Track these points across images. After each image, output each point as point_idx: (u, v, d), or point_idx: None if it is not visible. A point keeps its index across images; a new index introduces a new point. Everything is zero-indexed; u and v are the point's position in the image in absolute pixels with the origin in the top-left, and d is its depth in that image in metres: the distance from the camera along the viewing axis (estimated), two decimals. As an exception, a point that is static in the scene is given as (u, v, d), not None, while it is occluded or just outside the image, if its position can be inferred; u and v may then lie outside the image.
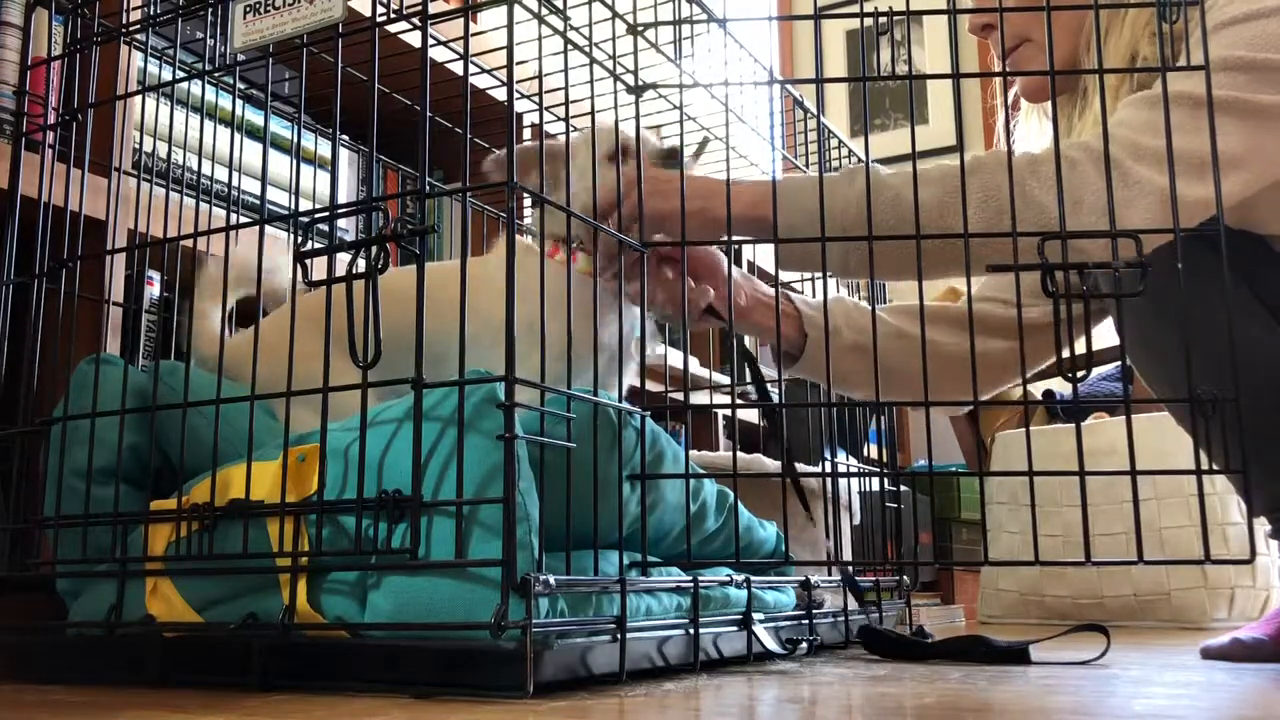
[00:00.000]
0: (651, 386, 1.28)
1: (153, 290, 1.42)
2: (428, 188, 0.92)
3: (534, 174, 1.23)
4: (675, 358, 2.20)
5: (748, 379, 2.66)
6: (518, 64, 0.93)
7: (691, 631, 1.05)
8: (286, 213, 1.53)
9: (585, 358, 1.07)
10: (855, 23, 1.06)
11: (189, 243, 1.09)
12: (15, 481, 1.12)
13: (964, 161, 1.04)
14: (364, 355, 0.87)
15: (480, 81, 1.66)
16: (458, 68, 1.53)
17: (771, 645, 1.17)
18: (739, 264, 2.70)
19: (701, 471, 1.16)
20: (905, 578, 1.63)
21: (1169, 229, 0.99)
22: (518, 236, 1.23)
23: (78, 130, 1.13)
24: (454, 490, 0.87)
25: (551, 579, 0.85)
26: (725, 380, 2.55)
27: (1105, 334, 1.38)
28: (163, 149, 1.42)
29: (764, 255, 2.89)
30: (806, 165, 1.49)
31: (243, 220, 1.17)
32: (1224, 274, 0.97)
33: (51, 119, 1.26)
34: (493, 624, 0.81)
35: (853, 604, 1.45)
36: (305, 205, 1.61)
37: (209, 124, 1.43)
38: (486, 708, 0.77)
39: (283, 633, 0.90)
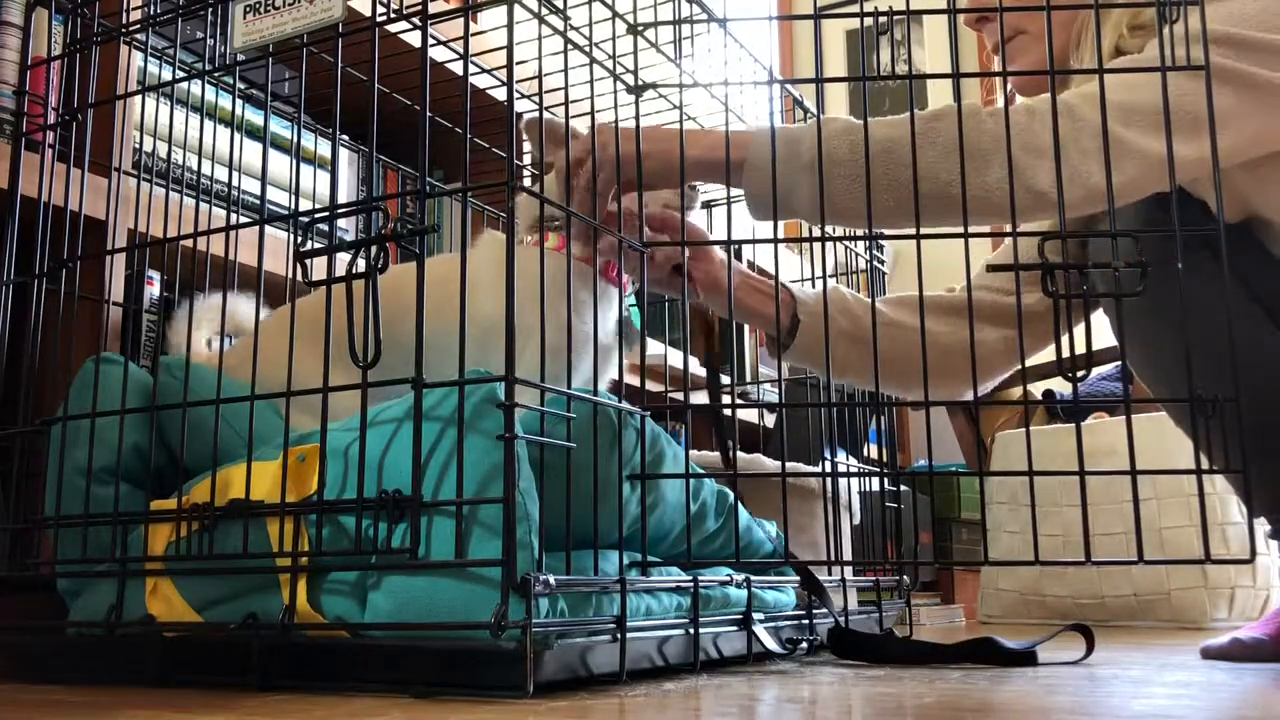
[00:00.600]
0: (651, 386, 1.28)
1: (153, 290, 1.42)
2: (428, 188, 0.92)
3: (534, 144, 1.24)
4: (675, 358, 2.20)
5: (745, 379, 2.66)
6: (518, 64, 0.93)
7: (691, 631, 1.05)
8: (286, 213, 1.53)
9: (572, 348, 1.07)
10: (855, 22, 1.06)
11: (189, 243, 1.09)
12: (15, 481, 1.12)
13: (963, 142, 1.03)
14: (364, 355, 0.87)
15: (480, 81, 1.66)
16: (458, 68, 1.53)
17: (771, 645, 1.17)
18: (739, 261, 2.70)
19: (701, 471, 1.16)
20: (905, 578, 1.63)
21: (1169, 229, 0.99)
22: (493, 230, 1.22)
23: (78, 130, 1.13)
24: (454, 490, 0.87)
25: (551, 579, 0.85)
26: (725, 380, 2.55)
27: (1105, 334, 1.38)
28: (163, 149, 1.42)
29: (764, 256, 2.89)
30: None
31: (243, 220, 1.17)
32: (1224, 274, 0.97)
33: (51, 119, 1.26)
34: (493, 624, 0.81)
35: (853, 603, 1.45)
36: (305, 205, 1.61)
37: (209, 124, 1.43)
38: (486, 708, 0.77)
39: (283, 633, 0.90)
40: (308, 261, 0.92)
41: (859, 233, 1.59)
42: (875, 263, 1.60)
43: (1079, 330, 0.98)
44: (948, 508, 3.09)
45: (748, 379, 2.80)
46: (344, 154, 1.76)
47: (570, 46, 1.03)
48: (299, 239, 0.93)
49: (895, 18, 3.87)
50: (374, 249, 0.88)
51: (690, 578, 1.08)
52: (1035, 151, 1.04)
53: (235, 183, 1.44)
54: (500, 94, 1.54)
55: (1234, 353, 0.96)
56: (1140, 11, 1.18)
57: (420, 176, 0.91)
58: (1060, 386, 2.86)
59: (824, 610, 1.35)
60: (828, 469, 1.50)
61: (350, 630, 0.89)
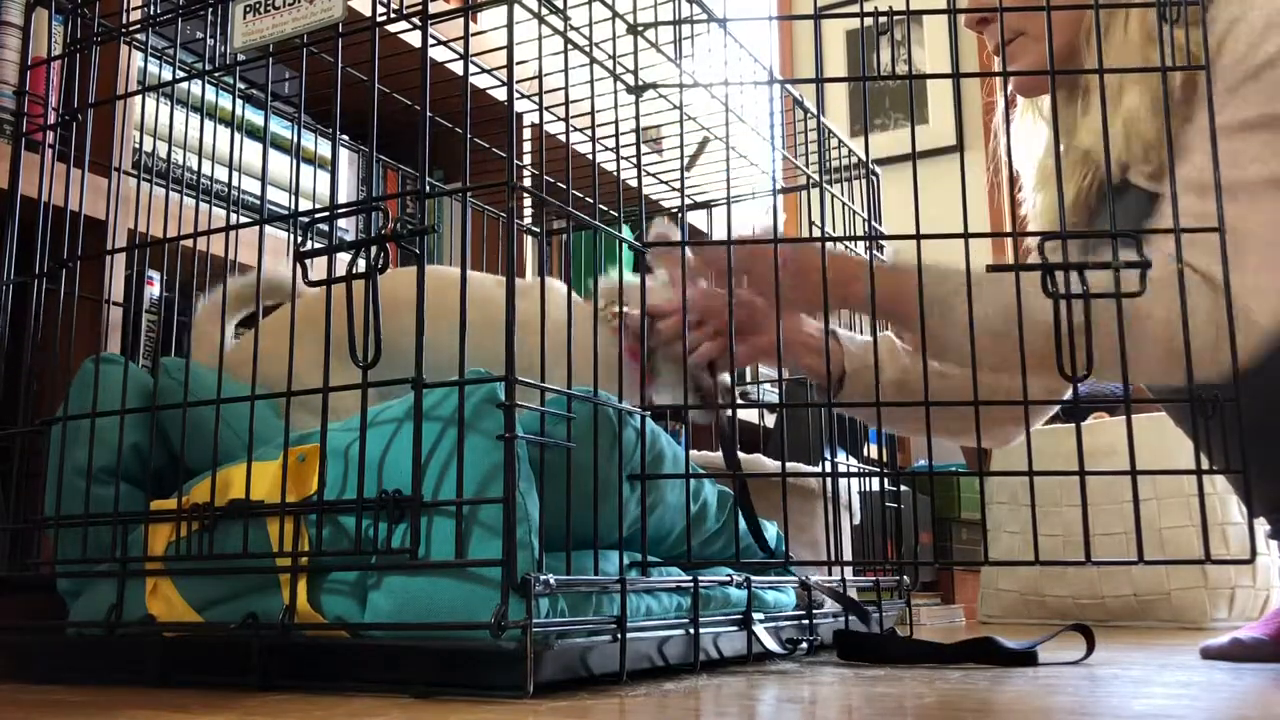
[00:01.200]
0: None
1: (153, 290, 1.42)
2: (428, 188, 0.92)
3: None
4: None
5: (748, 380, 2.66)
6: (518, 64, 0.93)
7: (691, 631, 1.05)
8: (286, 213, 1.53)
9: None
10: (855, 23, 1.06)
11: (189, 243, 1.09)
12: (15, 481, 1.12)
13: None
14: (364, 355, 0.87)
15: (480, 81, 1.66)
16: (458, 68, 1.53)
17: (771, 645, 1.17)
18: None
19: (701, 471, 1.16)
20: (905, 578, 1.63)
21: (1169, 229, 0.99)
22: (553, 280, 1.22)
23: (78, 130, 1.13)
24: (454, 490, 0.87)
25: (551, 579, 0.85)
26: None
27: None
28: (163, 149, 1.42)
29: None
30: (806, 164, 1.49)
31: (243, 220, 1.17)
32: (1224, 273, 0.97)
33: (51, 119, 1.26)
34: (493, 624, 0.81)
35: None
36: (305, 205, 1.61)
37: (209, 124, 1.43)
38: (486, 708, 0.77)
39: (283, 633, 0.91)
40: (307, 261, 0.92)
41: (859, 233, 1.59)
42: (875, 263, 1.59)
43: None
44: (948, 508, 3.09)
45: (748, 379, 2.80)
46: (344, 154, 1.76)
47: (570, 46, 1.03)
48: (299, 239, 0.93)
49: (895, 18, 3.87)
50: (374, 249, 0.88)
51: (690, 578, 1.08)
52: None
53: (235, 183, 1.44)
54: (500, 94, 1.54)
55: (1234, 352, 0.96)
56: None
57: (420, 176, 0.91)
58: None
59: (824, 611, 1.35)
60: (828, 469, 1.50)
61: (350, 630, 0.89)
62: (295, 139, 1.58)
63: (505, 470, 0.84)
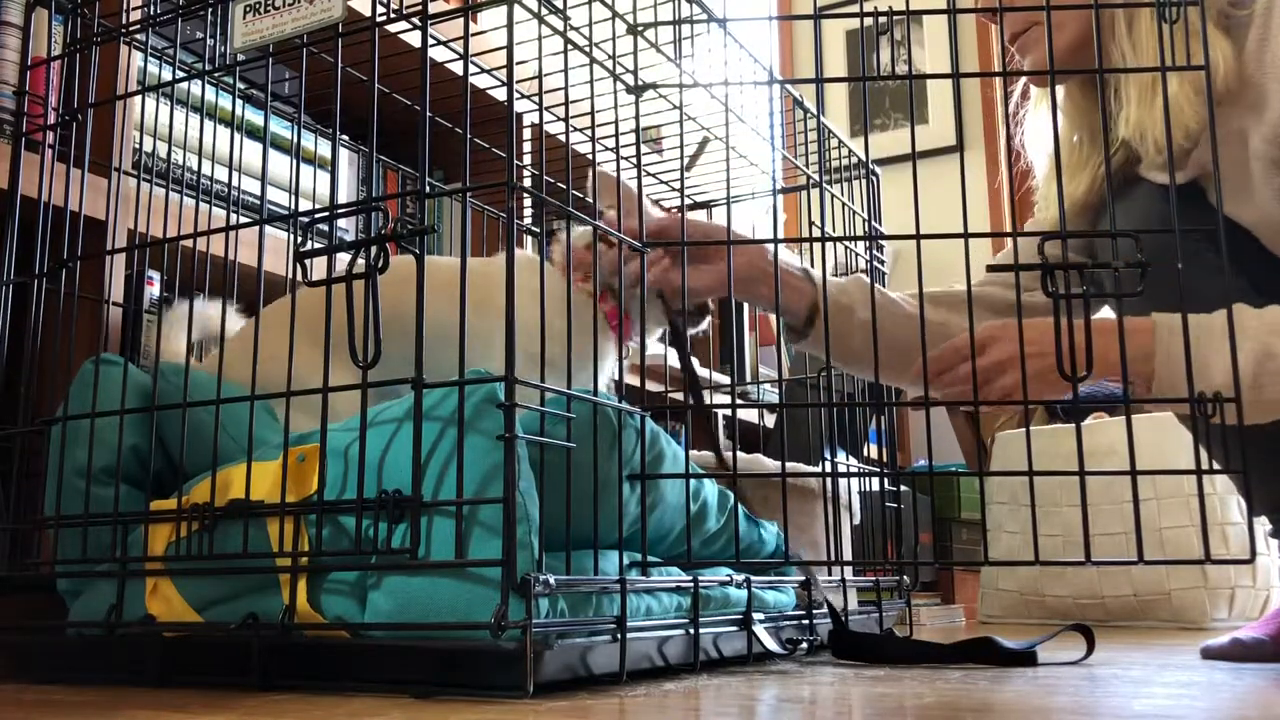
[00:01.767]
0: (651, 386, 1.28)
1: (153, 290, 1.42)
2: (428, 188, 0.92)
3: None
4: (675, 357, 2.20)
5: (749, 380, 2.65)
6: (518, 64, 0.93)
7: (691, 631, 1.05)
8: (286, 213, 1.53)
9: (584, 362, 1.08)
10: (855, 23, 1.06)
11: (189, 243, 1.09)
12: (15, 481, 1.12)
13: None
14: (364, 355, 0.87)
15: (480, 81, 1.66)
16: (458, 68, 1.53)
17: (771, 645, 1.17)
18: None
19: (701, 471, 1.16)
20: (905, 578, 1.63)
21: (1169, 229, 0.99)
22: (522, 250, 1.24)
23: (78, 130, 1.13)
24: (454, 490, 0.87)
25: (551, 579, 0.85)
26: (725, 380, 2.55)
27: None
28: (163, 149, 1.42)
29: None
30: (806, 164, 1.49)
31: (243, 220, 1.17)
32: (1225, 272, 0.97)
33: (51, 119, 1.25)
34: (493, 624, 0.81)
35: (853, 603, 1.45)
36: (305, 205, 1.61)
37: (209, 124, 1.43)
38: (486, 708, 0.77)
39: (283, 633, 0.90)
40: (307, 261, 0.92)
41: (859, 233, 1.59)
42: (875, 262, 1.60)
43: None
44: (948, 508, 3.09)
45: (748, 379, 2.80)
46: (344, 154, 1.76)
47: (570, 46, 1.03)
48: (299, 239, 0.93)
49: (895, 18, 3.87)
50: (374, 249, 0.88)
51: (690, 578, 1.08)
52: None
53: (235, 183, 1.44)
54: (500, 94, 1.54)
55: (1234, 352, 0.96)
56: None
57: (420, 176, 0.91)
58: (1060, 386, 2.86)
59: (824, 611, 1.35)
60: (828, 469, 1.50)
61: (350, 630, 0.89)
62: (295, 139, 1.58)
63: (505, 470, 0.84)
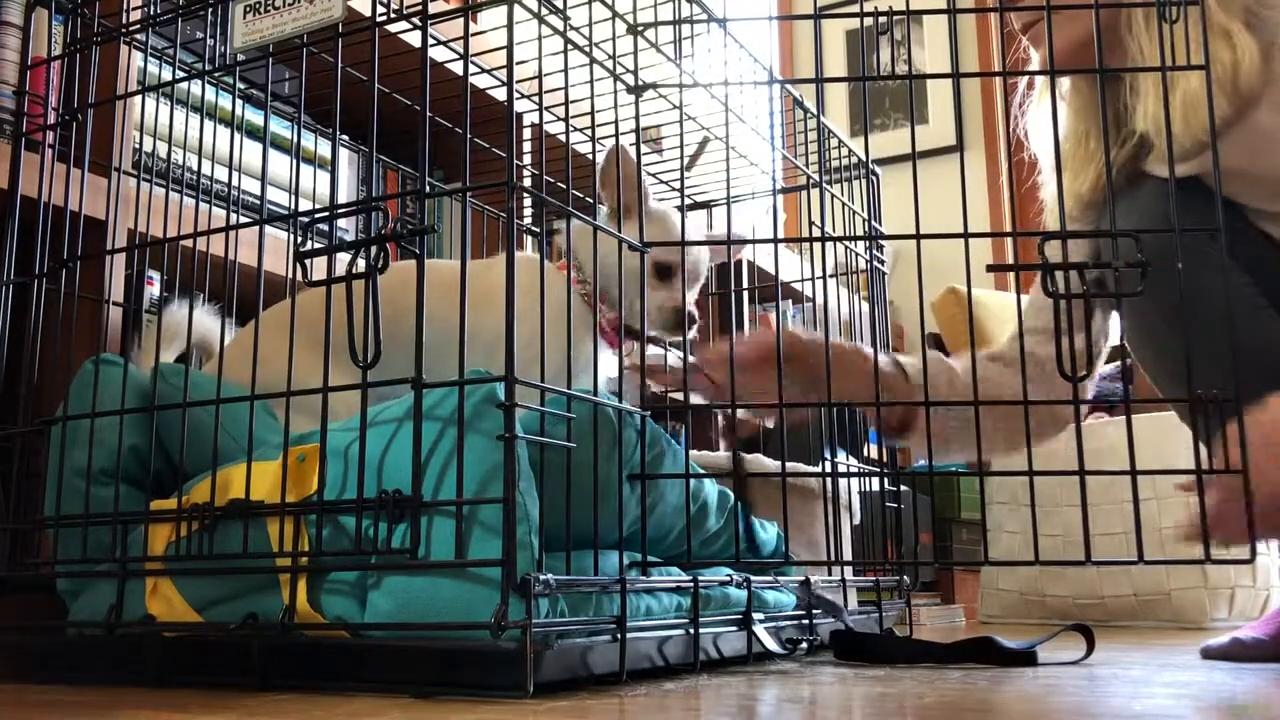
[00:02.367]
0: (651, 386, 1.28)
1: (153, 290, 1.42)
2: (428, 188, 0.92)
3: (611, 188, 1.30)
4: (675, 358, 2.20)
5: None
6: (518, 64, 0.93)
7: (691, 631, 1.05)
8: (286, 213, 1.53)
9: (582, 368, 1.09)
10: (855, 22, 1.06)
11: (189, 243, 1.09)
12: (15, 481, 1.12)
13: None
14: (364, 355, 0.87)
15: (480, 81, 1.66)
16: (458, 68, 1.53)
17: (771, 645, 1.17)
18: (738, 266, 2.70)
19: (702, 471, 1.16)
20: (905, 578, 1.63)
21: (1169, 228, 0.99)
22: (522, 252, 1.25)
23: (78, 130, 1.13)
24: (454, 490, 0.87)
25: (551, 579, 0.85)
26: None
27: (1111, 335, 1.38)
28: (163, 149, 1.42)
29: (762, 256, 2.89)
30: (806, 164, 1.49)
31: (243, 220, 1.17)
32: (1224, 273, 0.98)
33: (51, 119, 1.25)
34: (493, 624, 0.81)
35: (853, 603, 1.45)
36: (305, 205, 1.61)
37: (209, 124, 1.43)
38: (486, 708, 0.77)
39: (283, 633, 0.90)
40: (307, 261, 0.92)
41: (859, 233, 1.59)
42: (875, 263, 1.60)
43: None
44: (948, 508, 3.09)
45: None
46: (344, 154, 1.76)
47: (570, 46, 1.03)
48: (299, 239, 0.93)
49: (895, 18, 3.86)
50: (374, 249, 0.88)
51: (690, 578, 1.08)
52: None
53: (235, 183, 1.44)
54: (500, 94, 1.54)
55: (1235, 352, 0.96)
56: None
57: (420, 176, 0.91)
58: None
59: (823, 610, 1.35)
60: (828, 469, 1.50)
61: (350, 630, 0.89)
62: (295, 139, 1.58)
63: (505, 470, 0.84)
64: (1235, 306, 1.15)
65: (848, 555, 1.65)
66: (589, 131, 1.07)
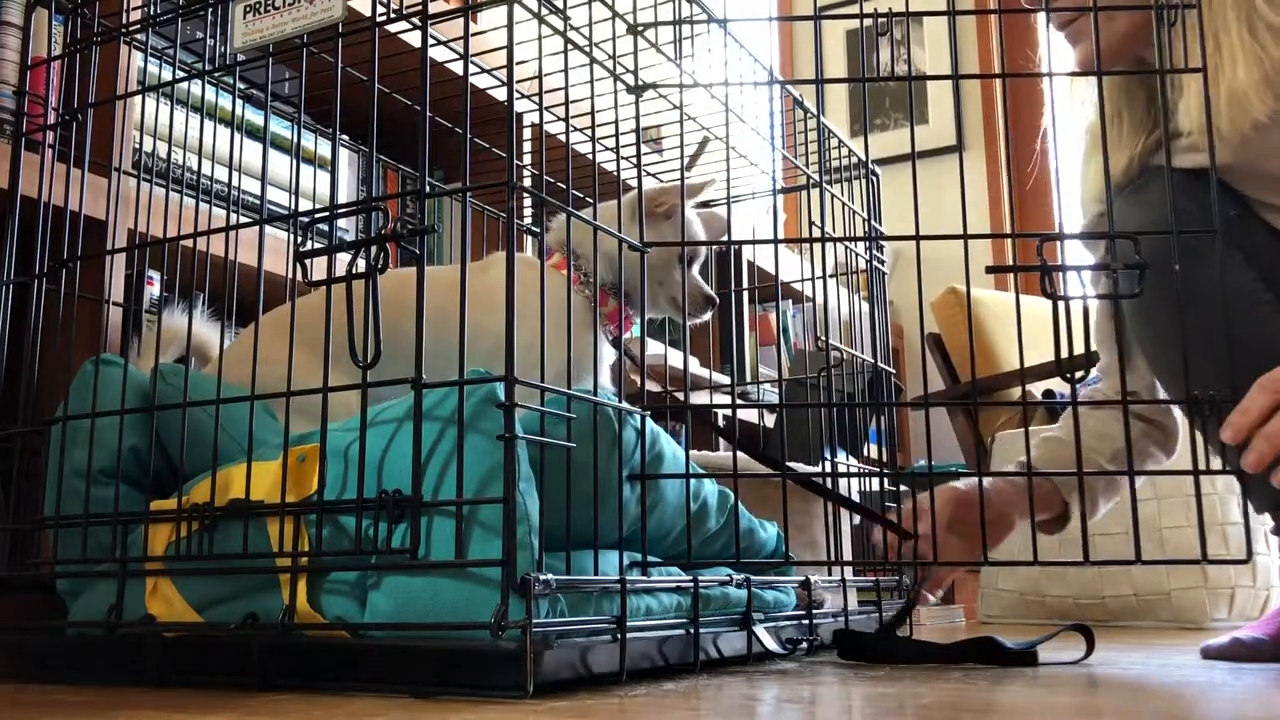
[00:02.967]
0: (651, 386, 1.28)
1: (153, 290, 1.42)
2: (428, 188, 0.92)
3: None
4: (675, 358, 2.20)
5: (748, 379, 2.64)
6: (518, 64, 0.93)
7: (691, 631, 1.05)
8: (286, 213, 1.53)
9: (583, 370, 1.09)
10: (855, 21, 1.06)
11: (189, 243, 1.09)
12: (15, 481, 1.12)
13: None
14: (364, 355, 0.87)
15: (480, 81, 1.66)
16: (458, 68, 1.53)
17: (771, 645, 1.17)
18: (739, 265, 2.70)
19: (702, 471, 1.16)
20: (905, 578, 1.63)
21: (1165, 230, 0.99)
22: (522, 253, 1.25)
23: (78, 130, 1.13)
24: (454, 490, 0.87)
25: (551, 579, 0.85)
26: (725, 380, 2.55)
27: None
28: (163, 149, 1.42)
29: (763, 256, 2.89)
30: (806, 164, 1.49)
31: (243, 220, 1.17)
32: (1219, 266, 0.98)
33: (51, 119, 1.26)
34: (493, 624, 0.81)
35: (853, 603, 1.44)
36: (305, 205, 1.61)
37: (209, 124, 1.43)
38: (486, 708, 0.77)
39: (283, 633, 0.90)
40: (307, 261, 0.92)
41: (859, 232, 1.59)
42: (875, 263, 1.59)
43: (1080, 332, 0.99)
44: (947, 508, 3.08)
45: (748, 379, 2.80)
46: (344, 154, 1.76)
47: (570, 46, 1.03)
48: (299, 239, 0.93)
49: (894, 18, 3.85)
50: (374, 249, 0.88)
51: (690, 578, 1.08)
52: None
53: (235, 183, 1.44)
54: (500, 94, 1.54)
55: (1230, 355, 0.96)
56: None
57: (420, 176, 0.91)
58: (1061, 386, 2.86)
59: (824, 611, 1.35)
60: (828, 469, 1.50)
61: (350, 630, 0.89)
62: (295, 139, 1.58)
63: (505, 470, 0.84)
64: (1241, 302, 1.16)
65: (847, 555, 1.65)
66: (589, 131, 1.07)
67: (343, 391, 0.91)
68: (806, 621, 1.30)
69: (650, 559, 1.04)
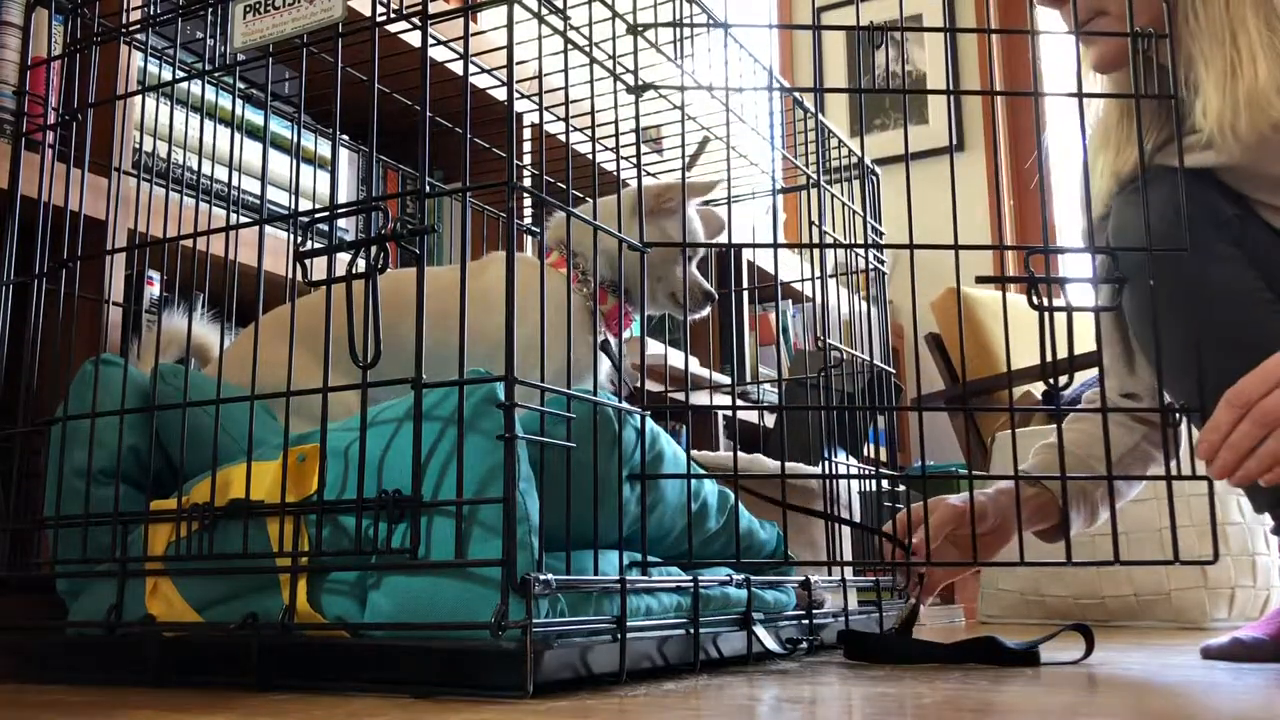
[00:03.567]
0: (651, 386, 1.29)
1: (153, 290, 1.42)
2: (428, 188, 0.92)
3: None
4: (675, 357, 2.20)
5: (749, 380, 2.64)
6: (518, 64, 0.93)
7: (691, 631, 1.05)
8: (286, 213, 1.53)
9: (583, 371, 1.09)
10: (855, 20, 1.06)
11: (189, 243, 1.09)
12: (15, 481, 1.12)
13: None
14: (364, 355, 0.87)
15: (480, 81, 1.66)
16: (458, 68, 1.53)
17: (771, 645, 1.17)
18: (738, 267, 2.70)
19: (702, 471, 1.16)
20: (899, 577, 1.63)
21: (1141, 248, 1.00)
22: (522, 253, 1.26)
23: (78, 130, 1.13)
24: (454, 490, 0.87)
25: (551, 579, 0.85)
26: (725, 380, 2.55)
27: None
28: (163, 149, 1.42)
29: (762, 256, 2.89)
30: (806, 164, 1.49)
31: (243, 220, 1.17)
32: (1217, 275, 0.98)
33: (51, 119, 1.26)
34: (493, 624, 0.81)
35: (853, 603, 1.44)
36: (305, 205, 1.61)
37: (209, 124, 1.43)
38: (486, 708, 0.77)
39: (283, 633, 0.91)
40: (307, 261, 0.92)
41: (860, 232, 1.59)
42: (875, 263, 1.60)
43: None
44: (947, 508, 3.08)
45: (748, 379, 2.80)
46: (344, 154, 1.76)
47: (570, 46, 1.03)
48: (299, 239, 0.93)
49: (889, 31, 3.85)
50: (374, 249, 0.88)
51: (690, 578, 1.08)
52: None
53: (235, 183, 1.44)
54: (500, 94, 1.54)
55: (1200, 365, 0.97)
56: None
57: (420, 176, 0.91)
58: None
59: (824, 611, 1.35)
60: (827, 469, 1.50)
61: (350, 630, 0.89)
62: (295, 139, 1.58)
63: (505, 470, 0.84)
64: (1242, 302, 1.16)
65: (847, 555, 1.65)
66: (589, 131, 1.07)
67: (342, 391, 0.91)
68: (806, 621, 1.30)
69: (650, 559, 1.04)
